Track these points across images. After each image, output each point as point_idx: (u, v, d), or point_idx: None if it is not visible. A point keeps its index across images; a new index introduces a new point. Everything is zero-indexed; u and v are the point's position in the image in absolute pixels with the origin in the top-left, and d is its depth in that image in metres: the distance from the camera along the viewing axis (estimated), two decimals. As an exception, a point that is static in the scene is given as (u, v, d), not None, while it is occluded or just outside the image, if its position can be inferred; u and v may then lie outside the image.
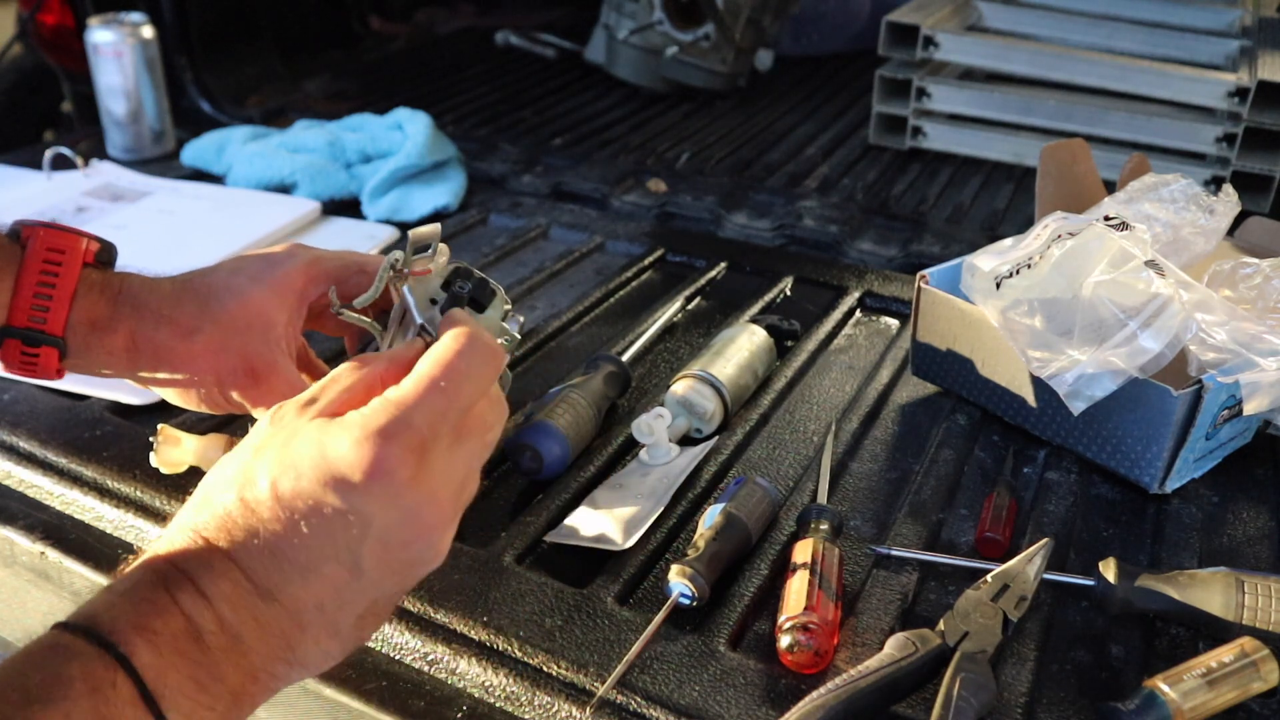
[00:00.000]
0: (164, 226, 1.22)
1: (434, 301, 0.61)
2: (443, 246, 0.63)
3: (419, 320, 0.60)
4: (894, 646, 0.61)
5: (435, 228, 0.62)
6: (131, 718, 0.43)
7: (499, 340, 0.63)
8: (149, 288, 0.68)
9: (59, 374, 0.68)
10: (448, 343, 0.52)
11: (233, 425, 0.86)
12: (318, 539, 0.47)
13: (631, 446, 0.84)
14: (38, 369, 0.67)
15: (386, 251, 0.77)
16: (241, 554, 0.47)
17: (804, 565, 0.66)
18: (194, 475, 0.69)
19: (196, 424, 0.84)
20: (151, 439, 0.74)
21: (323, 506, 0.47)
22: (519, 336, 0.65)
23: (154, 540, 0.49)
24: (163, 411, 0.86)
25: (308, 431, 0.49)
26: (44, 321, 0.65)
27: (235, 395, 0.67)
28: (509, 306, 0.66)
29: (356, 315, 0.65)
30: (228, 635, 0.46)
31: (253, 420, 0.67)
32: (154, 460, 0.73)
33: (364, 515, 0.47)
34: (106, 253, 0.69)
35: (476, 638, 0.65)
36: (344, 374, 0.53)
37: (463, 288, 0.62)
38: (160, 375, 0.68)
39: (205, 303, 0.67)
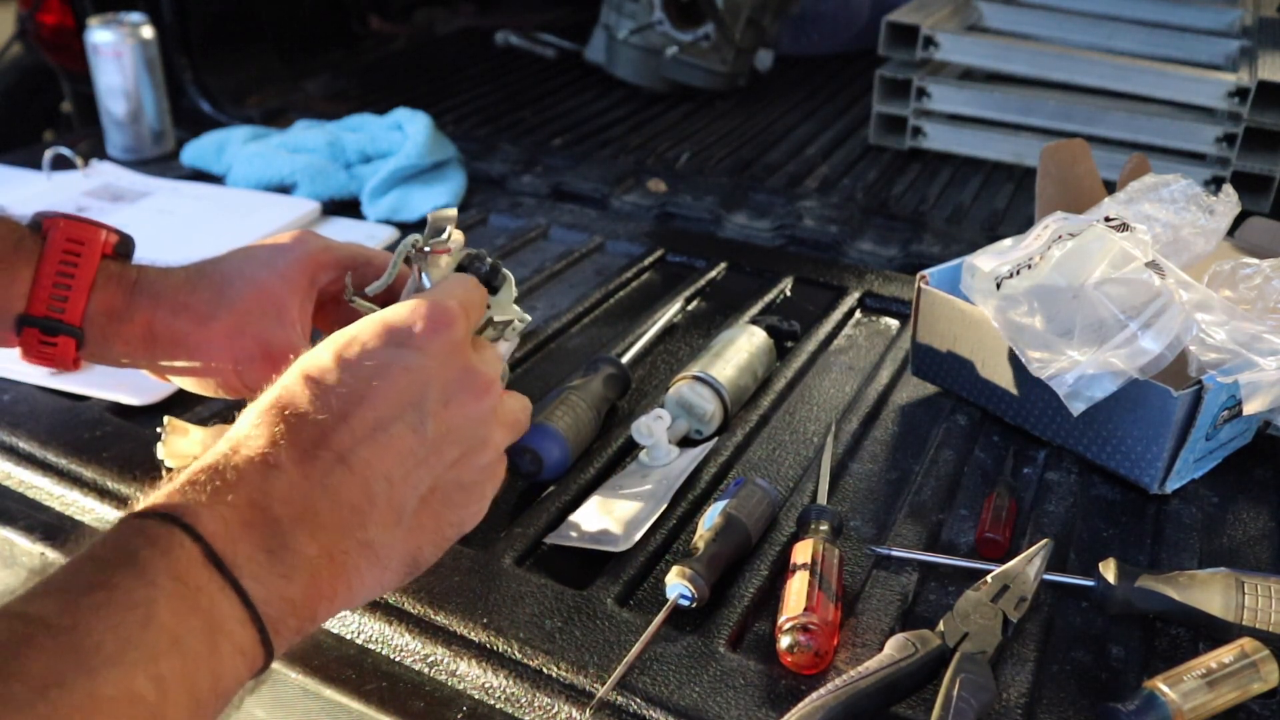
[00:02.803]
0: (164, 227, 1.22)
1: None
2: (457, 233, 0.64)
3: None
4: (894, 647, 0.61)
5: (452, 211, 0.64)
6: (206, 580, 0.43)
7: (512, 322, 0.64)
8: (164, 277, 0.69)
9: (75, 364, 0.69)
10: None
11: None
12: (386, 397, 0.49)
13: (631, 448, 0.84)
14: (55, 358, 0.68)
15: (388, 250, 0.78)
16: (311, 421, 0.48)
17: (804, 566, 0.66)
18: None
19: (205, 419, 0.83)
20: (159, 430, 0.74)
21: (390, 363, 0.50)
22: (529, 318, 0.67)
23: (215, 444, 0.50)
24: (164, 411, 0.86)
25: (361, 320, 0.53)
26: (62, 311, 0.66)
27: (252, 380, 0.68)
28: (515, 294, 0.67)
29: (368, 304, 0.66)
30: (299, 504, 0.47)
31: None
32: (160, 452, 0.73)
33: (426, 369, 0.51)
34: (125, 245, 0.70)
35: (476, 639, 0.65)
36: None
37: (479, 267, 0.64)
38: (178, 363, 0.69)
39: (220, 289, 0.68)
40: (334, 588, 0.48)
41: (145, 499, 0.46)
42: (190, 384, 0.71)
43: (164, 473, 0.75)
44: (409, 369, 0.51)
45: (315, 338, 0.74)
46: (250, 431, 0.49)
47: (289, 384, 0.50)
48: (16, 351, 0.69)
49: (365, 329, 0.52)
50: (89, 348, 0.68)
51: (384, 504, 0.50)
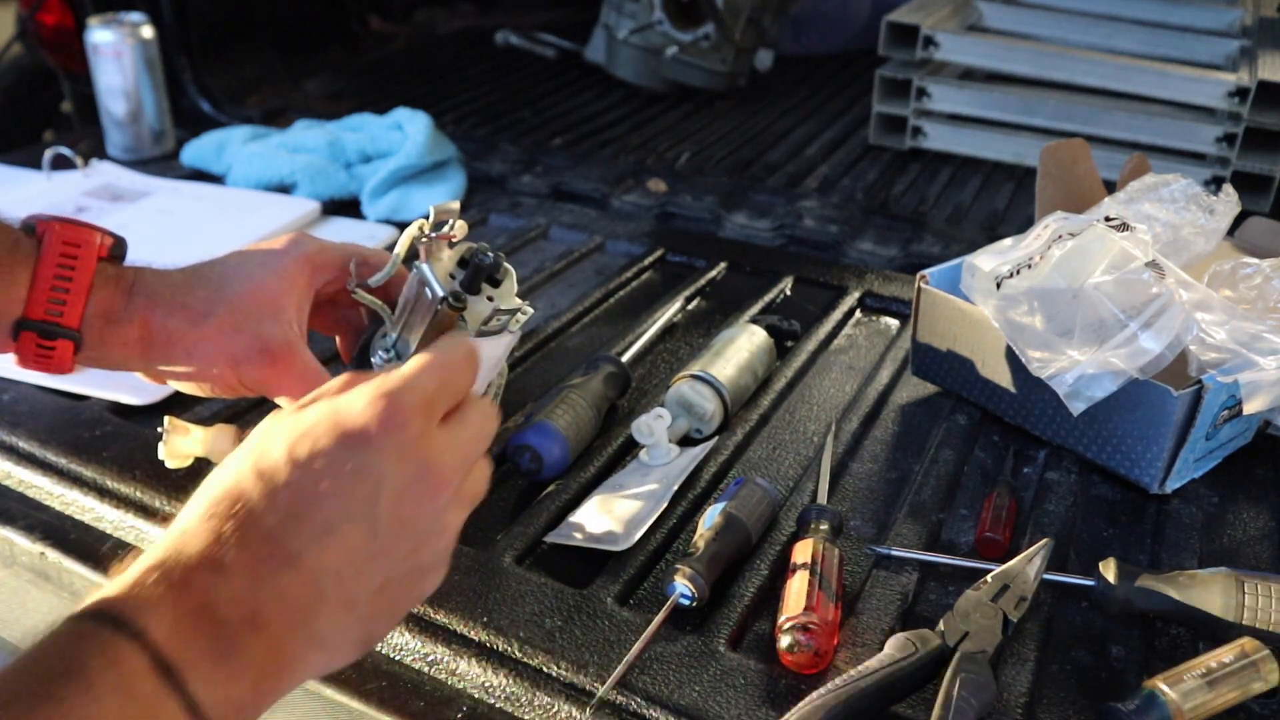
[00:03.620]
0: (164, 226, 1.22)
1: (452, 276, 0.63)
2: (460, 223, 0.64)
3: (440, 293, 0.61)
4: (894, 647, 0.61)
5: (455, 204, 0.64)
6: (152, 691, 0.43)
7: (514, 314, 0.64)
8: (160, 278, 0.69)
9: (71, 368, 0.68)
10: (445, 340, 0.57)
11: (242, 419, 0.86)
12: (337, 497, 0.49)
13: (631, 447, 0.84)
14: (52, 362, 0.67)
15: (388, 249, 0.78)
16: (260, 522, 0.48)
17: (804, 565, 0.66)
18: (197, 474, 0.69)
19: (205, 418, 0.83)
20: (160, 430, 0.74)
21: (341, 463, 0.49)
22: (533, 310, 0.67)
23: (162, 536, 0.49)
24: (164, 411, 0.86)
25: (317, 405, 0.51)
26: (60, 314, 0.66)
27: (251, 378, 0.67)
28: (516, 288, 0.67)
29: (369, 296, 0.66)
30: (245, 607, 0.46)
31: (271, 406, 0.67)
32: (161, 452, 0.73)
33: (379, 470, 0.49)
34: (119, 247, 0.70)
35: (476, 638, 0.65)
36: (339, 380, 0.55)
37: (482, 259, 0.64)
38: (175, 363, 0.68)
39: (217, 288, 0.68)
40: (279, 682, 0.48)
41: (92, 595, 0.45)
42: (188, 386, 0.71)
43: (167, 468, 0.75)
44: (360, 469, 0.49)
45: (324, 343, 0.74)
46: (200, 525, 0.48)
47: (241, 476, 0.50)
48: (12, 358, 0.68)
49: (319, 423, 0.50)
50: (86, 351, 0.68)
51: (334, 599, 0.49)
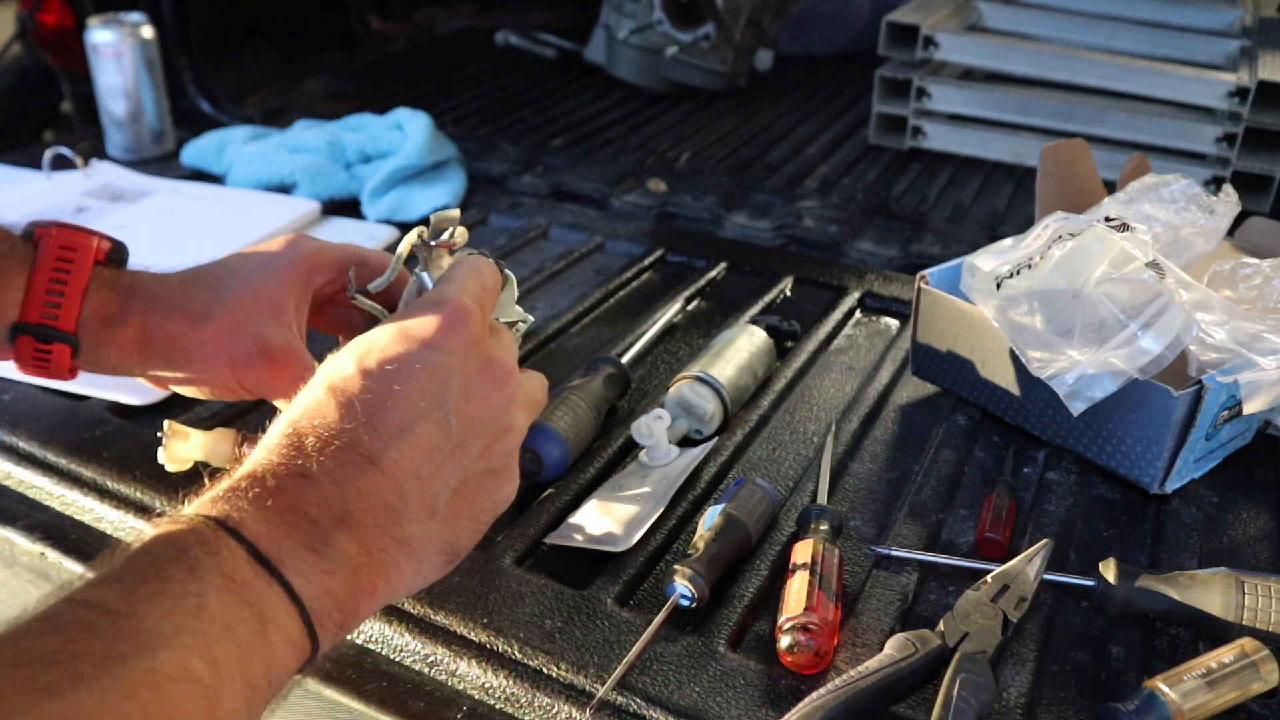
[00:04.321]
0: (164, 227, 1.22)
1: None
2: (461, 230, 0.64)
3: None
4: (894, 647, 0.61)
5: (455, 212, 0.65)
6: (252, 576, 0.45)
7: (515, 323, 0.65)
8: (158, 281, 0.69)
9: (71, 373, 0.69)
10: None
11: (241, 421, 0.86)
12: (409, 397, 0.51)
13: (631, 448, 0.84)
14: (50, 367, 0.67)
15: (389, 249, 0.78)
16: (340, 430, 0.50)
17: (804, 566, 0.66)
18: (197, 475, 0.69)
19: (204, 421, 0.84)
20: (159, 434, 0.74)
21: (409, 365, 0.52)
22: (532, 318, 0.67)
23: (248, 457, 0.52)
24: (163, 412, 0.86)
25: (379, 328, 0.55)
26: (56, 318, 0.66)
27: (250, 380, 0.68)
28: (516, 295, 0.67)
29: (369, 302, 0.66)
30: (334, 508, 0.48)
31: (271, 409, 0.66)
32: (161, 456, 0.73)
33: (446, 367, 0.52)
34: (117, 252, 0.70)
35: (476, 639, 0.65)
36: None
37: None
38: (174, 365, 0.68)
39: (215, 290, 0.68)
40: (374, 583, 0.50)
41: (190, 505, 0.48)
42: (187, 387, 0.71)
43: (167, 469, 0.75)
44: (428, 368, 0.52)
45: (325, 342, 0.74)
46: (282, 441, 0.50)
47: (315, 394, 0.52)
48: (13, 364, 0.69)
49: (383, 335, 0.53)
50: (84, 355, 0.68)
51: (416, 500, 0.51)
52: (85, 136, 1.52)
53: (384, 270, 0.67)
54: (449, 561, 0.55)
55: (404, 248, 0.65)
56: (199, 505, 0.47)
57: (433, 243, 0.63)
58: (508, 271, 0.66)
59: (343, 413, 0.51)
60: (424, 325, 0.53)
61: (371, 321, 0.70)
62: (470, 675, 0.63)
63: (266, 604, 0.45)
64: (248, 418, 0.88)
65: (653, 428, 0.80)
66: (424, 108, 1.41)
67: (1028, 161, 1.47)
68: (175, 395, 0.87)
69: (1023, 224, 1.17)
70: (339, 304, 0.74)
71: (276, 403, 0.68)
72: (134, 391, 0.87)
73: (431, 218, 0.63)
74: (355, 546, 0.49)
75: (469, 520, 0.55)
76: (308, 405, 0.52)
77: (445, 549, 0.54)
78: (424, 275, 0.63)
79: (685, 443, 0.85)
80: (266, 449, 0.51)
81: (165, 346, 0.68)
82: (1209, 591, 0.65)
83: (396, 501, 0.51)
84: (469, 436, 0.53)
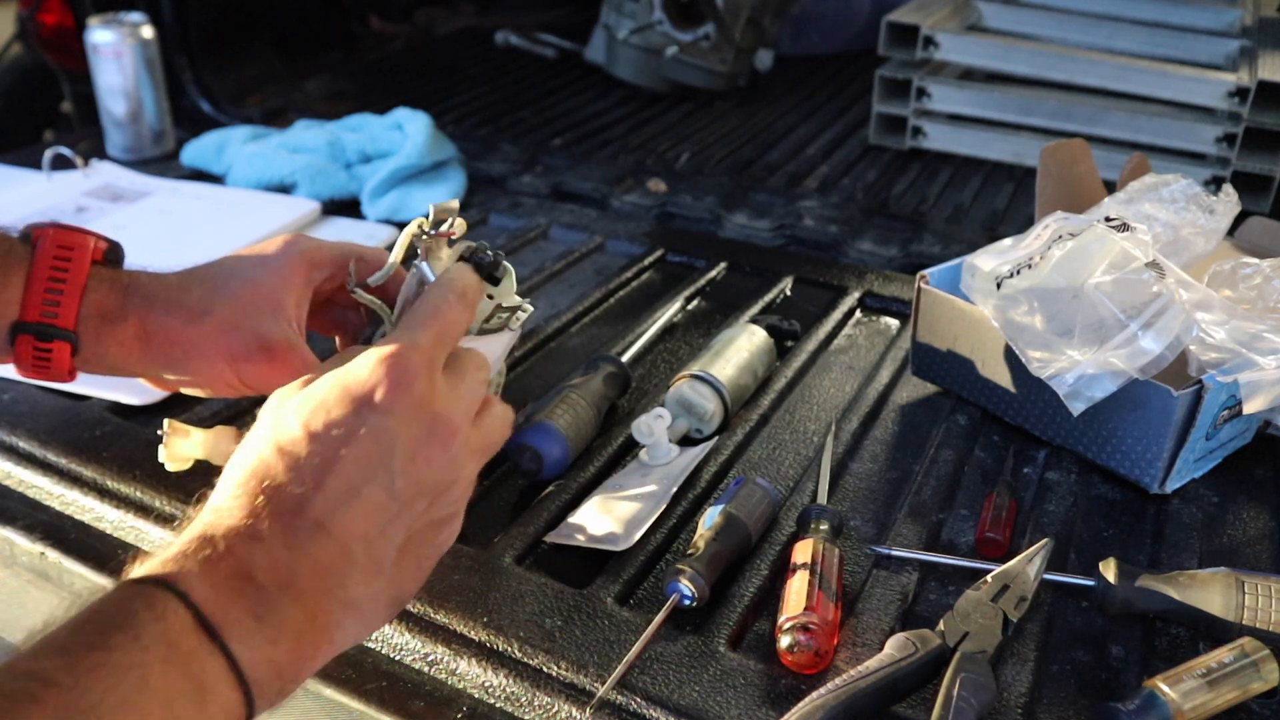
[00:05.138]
0: (164, 226, 1.22)
1: None
2: (460, 221, 0.64)
3: None
4: (894, 646, 0.61)
5: (454, 203, 0.64)
6: (196, 645, 0.45)
7: (514, 312, 0.64)
8: (157, 280, 0.69)
9: (70, 375, 0.69)
10: (434, 288, 0.60)
11: (241, 419, 0.86)
12: (355, 461, 0.51)
13: (631, 447, 0.84)
14: (50, 367, 0.68)
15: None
16: (289, 493, 0.50)
17: (804, 565, 0.66)
18: (197, 474, 0.69)
19: (204, 420, 0.84)
20: (160, 432, 0.74)
21: (355, 429, 0.52)
22: (533, 308, 0.67)
23: (197, 517, 0.52)
24: (163, 411, 0.86)
25: (324, 379, 0.54)
26: (56, 316, 0.66)
27: (250, 376, 0.68)
28: (515, 286, 0.68)
29: (368, 296, 0.66)
30: (282, 572, 0.49)
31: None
32: (162, 455, 0.73)
33: (391, 430, 0.52)
34: (114, 251, 0.70)
35: (476, 638, 0.65)
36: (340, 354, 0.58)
37: (482, 258, 0.65)
38: (174, 362, 0.69)
39: (214, 287, 0.68)
40: (317, 648, 0.50)
41: (141, 565, 0.48)
42: (188, 385, 0.71)
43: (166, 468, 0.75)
44: (373, 432, 0.52)
45: (321, 343, 0.74)
46: (232, 503, 0.50)
47: (264, 453, 0.52)
48: (13, 367, 0.69)
49: (329, 395, 0.53)
50: (84, 354, 0.68)
51: (364, 562, 0.52)
52: (85, 136, 1.52)
53: (383, 265, 0.67)
54: (395, 611, 0.55)
55: (403, 239, 0.65)
56: (149, 565, 0.47)
57: (432, 232, 0.63)
58: (506, 263, 0.66)
59: (291, 475, 0.51)
60: (368, 388, 0.53)
61: (371, 316, 0.70)
62: (470, 674, 0.63)
63: (208, 674, 0.45)
64: (248, 417, 0.88)
65: (653, 427, 0.80)
66: (424, 108, 1.41)
67: (1028, 161, 1.47)
68: (176, 395, 0.87)
69: (1023, 224, 1.17)
70: (337, 303, 0.74)
71: None
72: (134, 391, 0.87)
73: (431, 208, 0.64)
74: (300, 612, 0.49)
75: (414, 571, 0.55)
76: (256, 465, 0.52)
77: (390, 603, 0.55)
78: (424, 266, 0.63)
79: (685, 442, 0.85)
80: (216, 510, 0.51)
81: (165, 344, 0.68)
82: (1209, 591, 0.65)
83: (344, 565, 0.51)
84: (414, 496, 0.53)
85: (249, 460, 0.52)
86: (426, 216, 0.64)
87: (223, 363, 0.67)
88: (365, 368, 0.53)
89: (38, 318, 0.66)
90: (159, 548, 0.49)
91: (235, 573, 0.48)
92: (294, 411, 0.53)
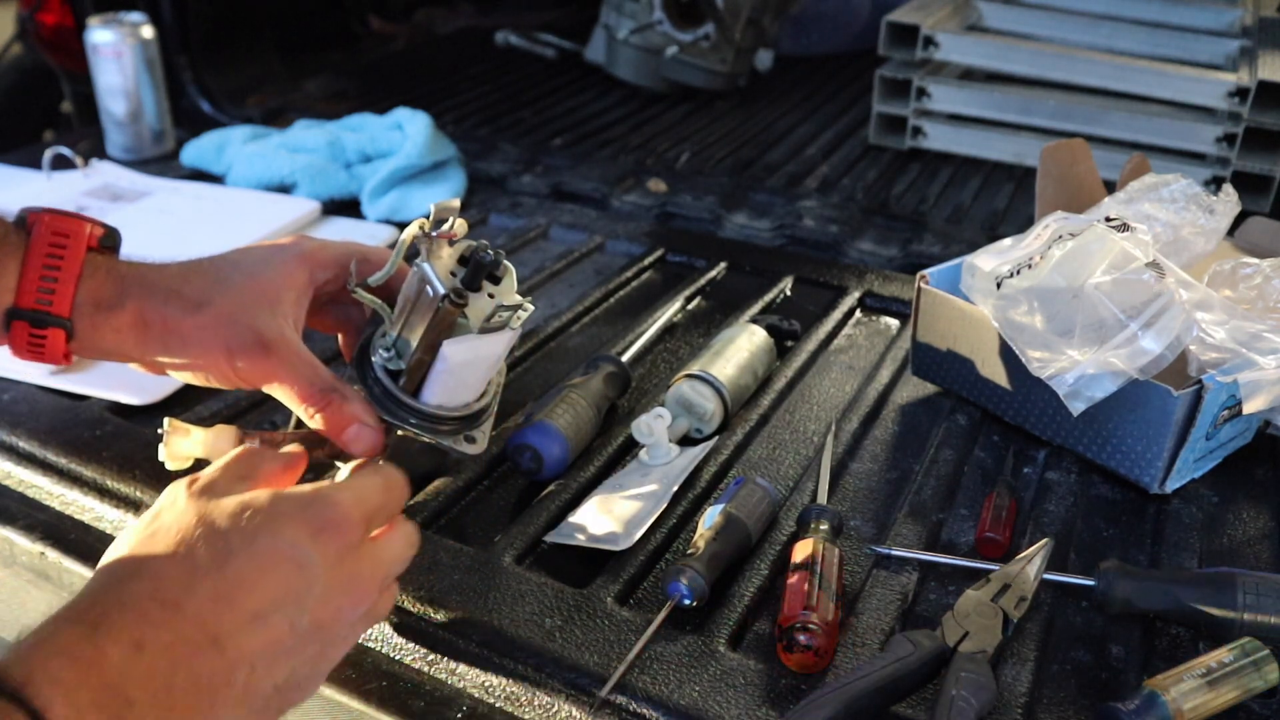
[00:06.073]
0: (164, 226, 1.22)
1: (453, 274, 0.63)
2: (460, 221, 0.64)
3: (441, 290, 0.62)
4: (894, 646, 0.61)
5: (455, 202, 0.65)
6: None
7: (515, 310, 0.65)
8: (156, 269, 0.69)
9: (66, 358, 0.69)
10: (384, 467, 0.62)
11: (242, 419, 0.86)
12: (273, 588, 0.51)
13: (631, 447, 0.84)
14: (45, 352, 0.67)
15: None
16: (191, 602, 0.49)
17: (804, 565, 0.66)
18: (197, 472, 0.69)
19: (205, 420, 0.83)
20: (160, 431, 0.74)
21: (285, 555, 0.52)
22: (533, 307, 0.67)
23: (90, 586, 0.51)
24: (163, 410, 0.86)
25: (281, 494, 0.55)
26: (50, 303, 0.66)
27: (246, 369, 0.67)
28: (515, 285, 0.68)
29: (369, 295, 0.66)
30: (158, 685, 0.47)
31: (274, 407, 0.67)
32: (162, 454, 0.73)
33: (315, 570, 0.52)
34: (110, 238, 0.70)
35: (476, 638, 0.65)
36: (246, 457, 0.60)
37: (484, 257, 0.65)
38: (171, 351, 0.68)
39: (214, 279, 0.68)
40: None
41: (15, 650, 0.46)
42: (184, 374, 0.71)
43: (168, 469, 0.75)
44: (300, 565, 0.52)
45: (324, 342, 0.74)
46: (129, 596, 0.49)
47: (190, 542, 0.51)
48: (7, 350, 0.69)
49: (272, 509, 0.53)
50: (79, 340, 0.68)
51: (241, 689, 0.50)
52: (85, 136, 1.52)
53: (384, 265, 0.67)
54: None
55: (404, 239, 0.65)
56: (20, 655, 0.46)
57: (434, 233, 0.64)
58: (506, 262, 0.66)
59: (206, 581, 0.50)
60: (308, 520, 0.53)
61: (372, 315, 0.70)
62: (470, 674, 0.63)
63: None
64: (249, 416, 0.88)
65: (653, 426, 0.80)
66: (424, 108, 1.41)
67: (1028, 161, 1.47)
68: (176, 395, 0.87)
69: (1023, 224, 1.17)
70: (340, 303, 0.74)
71: (275, 393, 0.68)
72: (134, 391, 0.87)
73: (432, 207, 0.64)
74: None
75: (275, 710, 0.54)
76: (176, 552, 0.51)
77: None
78: (425, 266, 0.63)
79: (685, 441, 0.85)
80: (109, 598, 0.49)
81: (162, 332, 0.67)
82: (1209, 591, 0.65)
83: (222, 687, 0.50)
84: (310, 641, 0.53)
85: (172, 538, 0.51)
86: (428, 216, 0.64)
87: (220, 353, 0.67)
88: (312, 500, 0.54)
89: (33, 305, 0.66)
90: (40, 627, 0.48)
91: (105, 688, 0.46)
92: (231, 515, 0.53)
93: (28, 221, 0.68)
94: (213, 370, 0.68)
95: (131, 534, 0.54)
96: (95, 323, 0.67)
